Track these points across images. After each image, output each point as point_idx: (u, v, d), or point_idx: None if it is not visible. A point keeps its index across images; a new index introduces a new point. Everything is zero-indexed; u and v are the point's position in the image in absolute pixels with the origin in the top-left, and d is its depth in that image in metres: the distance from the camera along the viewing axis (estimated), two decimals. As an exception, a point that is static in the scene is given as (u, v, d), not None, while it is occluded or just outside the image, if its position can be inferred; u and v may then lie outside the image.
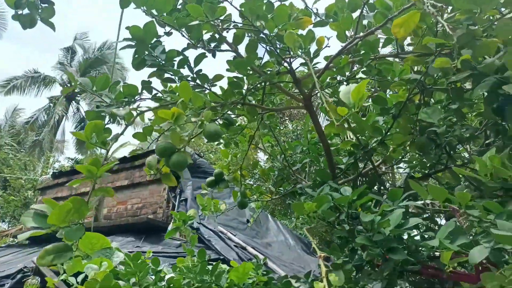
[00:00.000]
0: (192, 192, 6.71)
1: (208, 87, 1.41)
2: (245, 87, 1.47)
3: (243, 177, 2.00)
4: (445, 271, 1.21)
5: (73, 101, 22.45)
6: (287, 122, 12.92)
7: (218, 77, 1.38)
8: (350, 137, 1.80)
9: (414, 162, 1.83)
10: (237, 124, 1.65)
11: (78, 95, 22.13)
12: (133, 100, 1.30)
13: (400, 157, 1.83)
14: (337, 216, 1.20)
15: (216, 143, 2.16)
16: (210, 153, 15.49)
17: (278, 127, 2.20)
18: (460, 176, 1.42)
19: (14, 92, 20.49)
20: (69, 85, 20.63)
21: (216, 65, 1.50)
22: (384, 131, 1.60)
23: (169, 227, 6.71)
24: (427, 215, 1.15)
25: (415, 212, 1.09)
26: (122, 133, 1.22)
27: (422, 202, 0.96)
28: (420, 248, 1.18)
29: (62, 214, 0.94)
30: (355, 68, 1.55)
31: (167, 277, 2.02)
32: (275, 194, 2.43)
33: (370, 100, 1.90)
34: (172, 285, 1.90)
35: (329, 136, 2.06)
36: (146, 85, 1.34)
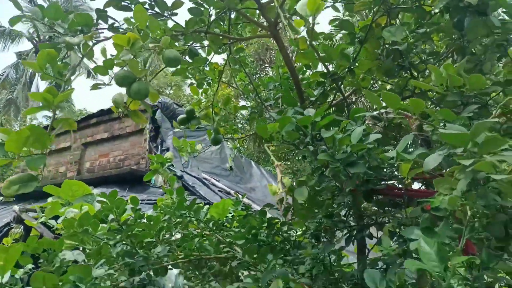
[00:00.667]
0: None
1: (168, 15, 1.35)
2: (210, 14, 1.42)
3: (215, 113, 2.00)
4: (404, 184, 1.28)
5: (44, 56, 21.40)
6: (267, 69, 12.73)
7: (178, 4, 1.32)
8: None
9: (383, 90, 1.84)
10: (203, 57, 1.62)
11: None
12: (89, 30, 1.24)
13: (369, 86, 1.84)
14: (302, 139, 1.22)
15: (189, 85, 2.13)
16: (190, 104, 15.29)
17: (248, 63, 2.16)
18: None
19: (-22, 48, 19.40)
20: (36, 40, 19.58)
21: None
22: (351, 58, 1.59)
23: (154, 176, 6.76)
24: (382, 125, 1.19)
25: (371, 124, 1.12)
26: (78, 64, 1.18)
27: (377, 112, 0.99)
28: (381, 165, 1.22)
29: (20, 141, 0.93)
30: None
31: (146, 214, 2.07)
32: (250, 132, 2.45)
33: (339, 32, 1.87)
34: (151, 221, 1.95)
35: (300, 70, 2.05)
36: (101, 13, 1.27)
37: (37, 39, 20.19)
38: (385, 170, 1.30)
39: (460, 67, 0.97)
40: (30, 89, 20.79)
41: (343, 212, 1.57)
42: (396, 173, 1.39)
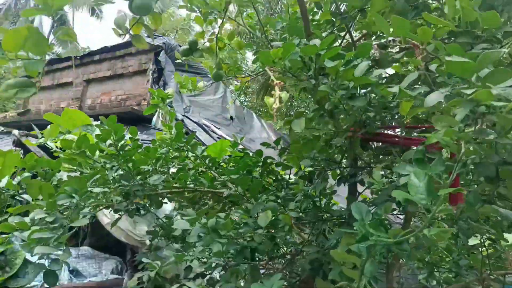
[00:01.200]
0: (176, 84, 6.63)
1: None
2: None
3: (219, 48, 1.94)
4: (403, 124, 1.27)
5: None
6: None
7: None
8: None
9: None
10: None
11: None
12: None
13: (380, 32, 1.78)
14: (304, 70, 1.20)
15: (194, 19, 2.05)
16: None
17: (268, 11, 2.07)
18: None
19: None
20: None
21: None
22: (364, -2, 1.52)
23: (154, 118, 6.75)
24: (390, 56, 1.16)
25: (377, 56, 1.10)
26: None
27: (385, 40, 0.95)
28: (382, 103, 1.21)
29: (18, 39, 0.90)
30: None
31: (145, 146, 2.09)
32: (255, 73, 2.41)
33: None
34: (149, 152, 1.97)
35: (311, 11, 1.97)
36: None
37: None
38: (385, 111, 1.29)
39: (475, 3, 0.92)
40: (33, 21, 20.23)
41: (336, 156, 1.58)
42: (396, 116, 1.38)
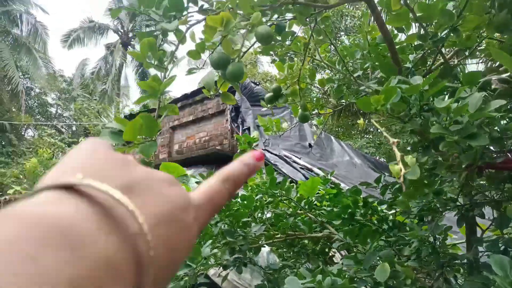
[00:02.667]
0: (254, 120, 6.82)
1: (255, -9, 1.31)
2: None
3: (301, 89, 1.94)
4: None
5: (129, 47, 23.12)
6: (343, 37, 12.17)
7: (265, -22, 1.27)
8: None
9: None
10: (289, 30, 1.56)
11: (133, 39, 22.67)
12: (181, 15, 1.26)
13: (474, 46, 1.63)
14: (408, 111, 1.12)
15: (271, 61, 2.09)
16: (266, 82, 15.40)
17: (333, 32, 2.05)
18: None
19: (75, 45, 21.53)
20: (121, 31, 21.10)
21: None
22: (455, 16, 1.41)
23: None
24: None
25: (500, 88, 0.97)
26: (176, 50, 1.21)
27: (508, 74, 0.84)
28: (502, 136, 1.07)
29: (135, 129, 0.98)
30: None
31: (240, 194, 2.13)
32: (337, 106, 2.36)
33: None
34: (245, 201, 2.00)
35: (392, 34, 1.88)
36: (191, -3, 1.28)
37: (121, 30, 21.79)
38: (507, 141, 1.14)
39: None
40: (120, 78, 22.68)
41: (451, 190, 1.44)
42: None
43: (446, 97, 1.06)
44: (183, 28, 1.25)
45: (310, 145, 7.61)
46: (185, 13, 1.29)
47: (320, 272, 1.20)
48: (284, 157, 6.32)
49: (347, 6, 11.69)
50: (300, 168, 6.12)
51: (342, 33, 12.13)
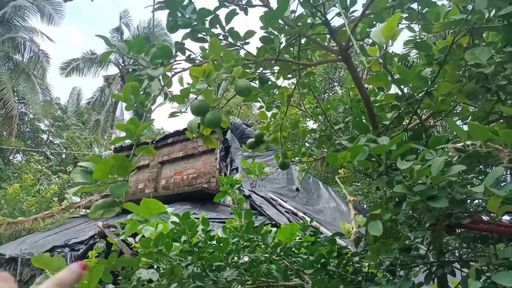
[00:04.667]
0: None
1: (240, 45, 1.40)
2: (280, 42, 1.44)
3: (283, 137, 2.00)
4: (495, 221, 1.15)
5: (128, 80, 23.49)
6: (336, 88, 12.56)
7: (250, 33, 1.36)
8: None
9: (466, 113, 1.70)
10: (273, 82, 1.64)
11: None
12: (168, 62, 1.33)
13: (450, 109, 1.72)
14: (376, 168, 1.17)
15: (258, 109, 2.17)
16: (259, 123, 15.61)
17: (318, 86, 2.14)
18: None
19: (73, 74, 21.86)
20: (122, 65, 21.55)
21: (250, 24, 1.48)
22: (429, 81, 1.50)
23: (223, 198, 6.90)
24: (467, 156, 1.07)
25: (456, 154, 1.02)
26: (159, 94, 1.27)
27: (462, 144, 0.90)
28: (465, 198, 1.12)
29: (105, 169, 1.01)
30: (396, 12, 1.44)
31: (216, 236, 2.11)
32: (318, 155, 2.41)
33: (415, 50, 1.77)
34: (221, 244, 1.99)
35: (372, 92, 1.98)
36: (179, 46, 1.36)
37: (122, 64, 22.26)
38: (469, 203, 1.18)
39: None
40: (115, 111, 22.84)
41: (420, 245, 1.45)
42: (484, 204, 1.26)
43: (413, 157, 1.11)
44: (169, 74, 1.31)
45: (297, 189, 7.61)
46: (172, 60, 1.36)
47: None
48: (270, 200, 6.30)
49: (341, 57, 12.16)
50: (285, 211, 6.09)
51: (335, 83, 12.53)
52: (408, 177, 1.04)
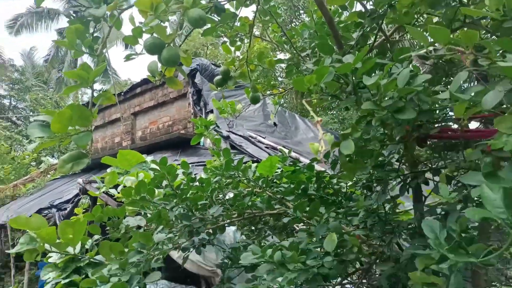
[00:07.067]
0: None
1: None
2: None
3: (251, 71, 1.94)
4: (462, 127, 1.18)
5: (85, 32, 22.05)
6: (303, 16, 12.15)
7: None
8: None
9: (430, 23, 1.67)
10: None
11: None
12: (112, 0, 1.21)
13: (413, 21, 1.68)
14: (343, 88, 1.15)
15: (221, 44, 2.06)
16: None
17: (280, 13, 2.04)
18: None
19: (23, 31, 20.24)
20: (74, 16, 19.99)
21: None
22: (392, -8, 1.44)
23: (202, 139, 6.92)
24: (431, 65, 1.07)
25: (420, 64, 1.01)
26: (107, 36, 1.17)
27: (425, 50, 0.88)
28: (433, 108, 1.13)
29: (63, 120, 0.95)
30: None
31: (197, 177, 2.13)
32: (287, 85, 2.37)
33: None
34: (203, 184, 2.01)
35: (336, 13, 1.90)
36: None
37: (73, 15, 20.69)
38: (437, 112, 1.20)
39: (523, -15, 0.83)
40: (76, 66, 21.67)
41: (394, 160, 1.50)
42: (450, 113, 1.28)
43: (380, 73, 1.10)
44: (116, 12, 1.21)
45: (275, 124, 7.66)
46: (117, -3, 1.24)
47: (270, 247, 1.24)
48: (249, 138, 6.34)
49: (305, -18, 11.62)
50: (265, 147, 6.17)
51: (301, 11, 12.10)
52: (376, 93, 1.03)
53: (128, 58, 1.41)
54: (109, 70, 21.45)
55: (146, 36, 1.32)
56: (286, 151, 2.49)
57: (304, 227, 2.69)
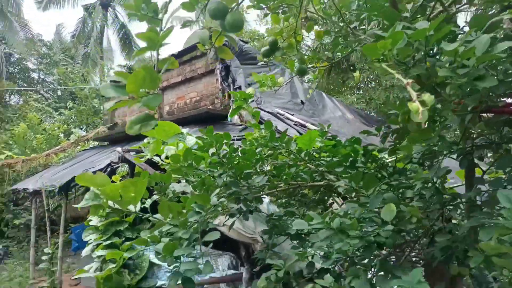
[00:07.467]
0: (244, 79, 6.73)
1: None
2: None
3: (298, 42, 1.91)
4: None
5: (109, 8, 22.13)
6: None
7: None
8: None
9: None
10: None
11: (113, 0, 21.68)
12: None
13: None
14: (412, 57, 1.12)
15: (263, 15, 2.03)
16: (254, 41, 15.03)
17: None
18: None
19: (50, 7, 20.49)
20: (101, -11, 20.04)
21: None
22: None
23: (229, 114, 6.98)
24: None
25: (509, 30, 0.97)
26: (170, 2, 1.17)
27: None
28: (506, 79, 1.09)
29: (138, 81, 0.97)
30: None
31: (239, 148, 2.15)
32: (332, 59, 2.32)
33: None
34: (246, 154, 2.03)
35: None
36: None
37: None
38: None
39: None
40: (102, 41, 21.87)
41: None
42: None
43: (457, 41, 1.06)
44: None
45: (302, 102, 7.59)
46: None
47: (328, 215, 1.25)
48: (277, 114, 6.32)
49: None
50: (294, 124, 6.15)
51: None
52: (452, 59, 1.00)
53: (184, 25, 1.41)
54: (133, 46, 21.59)
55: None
56: (326, 126, 2.48)
57: (338, 199, 2.70)
